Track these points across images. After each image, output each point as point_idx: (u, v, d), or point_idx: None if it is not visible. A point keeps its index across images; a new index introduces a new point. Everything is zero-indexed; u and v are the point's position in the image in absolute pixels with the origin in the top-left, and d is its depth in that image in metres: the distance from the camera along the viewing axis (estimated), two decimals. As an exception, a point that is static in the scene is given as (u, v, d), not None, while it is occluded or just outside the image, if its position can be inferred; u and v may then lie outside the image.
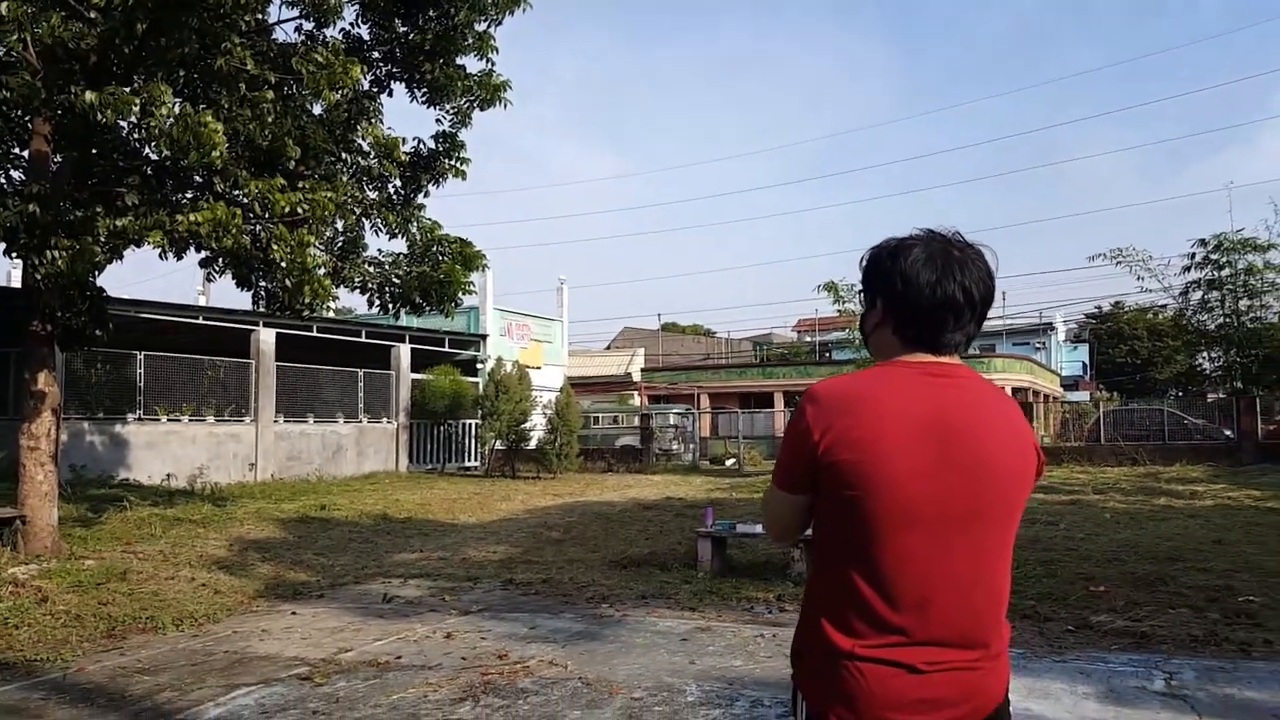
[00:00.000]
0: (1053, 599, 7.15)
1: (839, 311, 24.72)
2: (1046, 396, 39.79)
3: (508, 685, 5.10)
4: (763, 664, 5.41)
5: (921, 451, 1.66)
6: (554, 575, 8.60)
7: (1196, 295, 21.93)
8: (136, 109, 7.07)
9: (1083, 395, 44.70)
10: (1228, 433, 22.18)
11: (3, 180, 8.53)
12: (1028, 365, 35.54)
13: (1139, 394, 48.23)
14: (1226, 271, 21.04)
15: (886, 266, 1.78)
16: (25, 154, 8.74)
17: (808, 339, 55.04)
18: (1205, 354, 23.03)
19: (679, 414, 27.74)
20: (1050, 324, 50.77)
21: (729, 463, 25.45)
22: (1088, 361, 54.27)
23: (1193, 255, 21.68)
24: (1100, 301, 54.80)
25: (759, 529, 8.89)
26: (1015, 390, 34.05)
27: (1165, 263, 22.35)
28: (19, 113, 7.87)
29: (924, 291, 1.73)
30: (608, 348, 48.49)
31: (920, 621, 1.67)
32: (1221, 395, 25.12)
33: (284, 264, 8.14)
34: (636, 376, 37.96)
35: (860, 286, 1.93)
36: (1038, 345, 50.76)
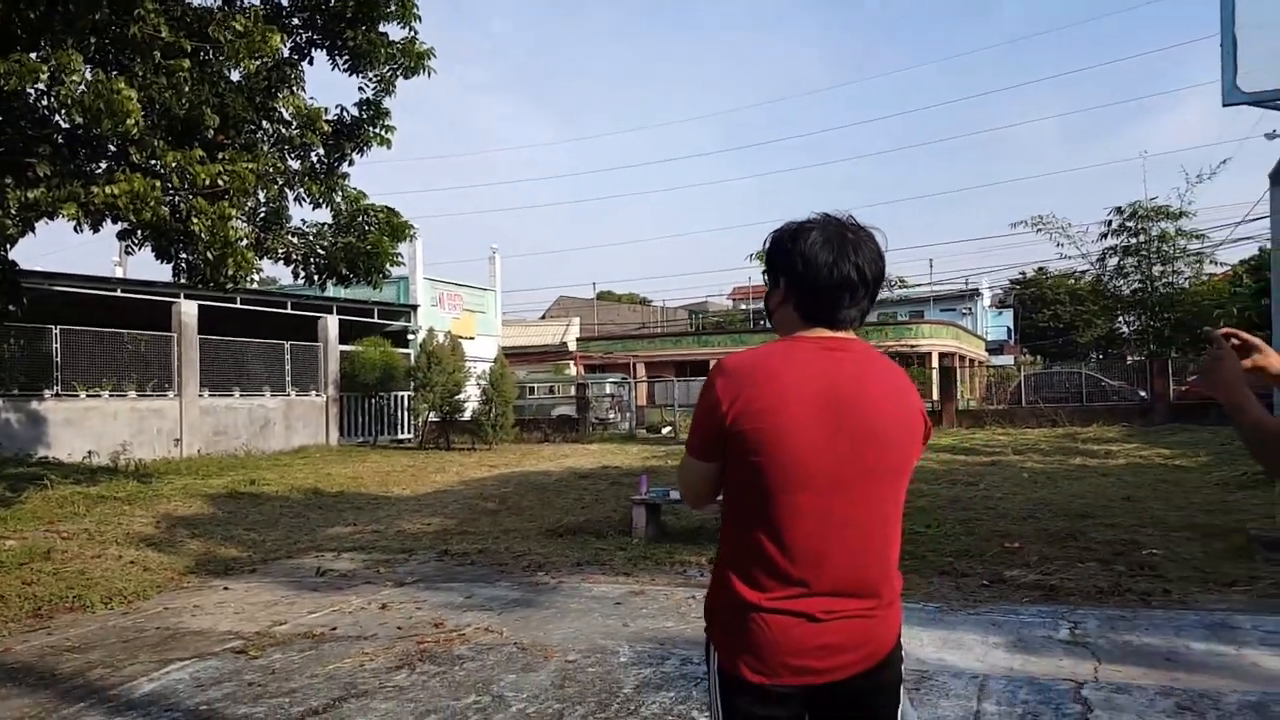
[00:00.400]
0: (970, 555, 7.47)
1: (762, 284, 25.24)
2: (972, 361, 40.92)
3: (444, 653, 5.18)
4: (693, 624, 5.58)
5: (818, 420, 1.79)
6: (490, 545, 8.68)
7: (1113, 261, 22.74)
8: (45, 77, 6.85)
9: (1007, 359, 46.07)
10: (1142, 394, 23.16)
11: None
12: (953, 331, 36.49)
13: (1062, 357, 49.95)
14: (1141, 238, 21.83)
15: (787, 248, 1.91)
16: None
17: (743, 307, 55.62)
18: (1122, 318, 23.91)
19: (615, 383, 27.88)
20: (977, 290, 52.12)
21: (665, 431, 25.71)
22: (1012, 326, 55.91)
23: (1109, 223, 22.45)
24: (1025, 268, 56.40)
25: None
26: (941, 355, 34.92)
27: (1084, 230, 23.19)
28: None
29: (822, 272, 1.86)
30: (543, 317, 48.32)
31: (818, 575, 1.81)
32: (1138, 358, 26.18)
33: (205, 237, 7.99)
34: (572, 346, 37.95)
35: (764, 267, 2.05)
36: (964, 311, 52.13)
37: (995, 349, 49.63)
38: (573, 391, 26.42)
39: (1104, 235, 22.56)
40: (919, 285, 48.45)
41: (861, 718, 1.92)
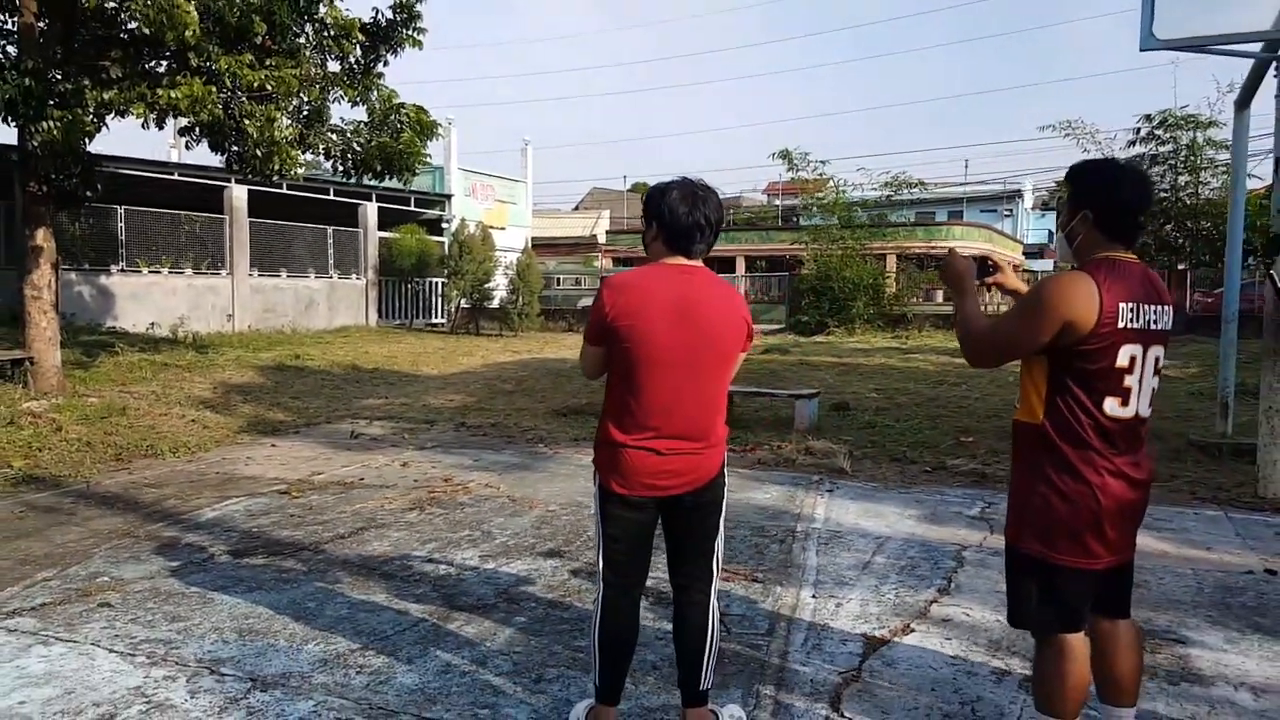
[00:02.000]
0: (924, 446, 8.37)
1: (792, 179, 25.51)
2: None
3: (449, 500, 6.34)
4: (659, 490, 6.67)
5: (667, 319, 2.74)
6: (502, 420, 9.84)
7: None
8: (116, -10, 7.71)
9: (1046, 264, 45.86)
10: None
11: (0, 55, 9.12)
12: (986, 233, 36.51)
13: (1100, 264, 49.34)
14: (1169, 147, 21.76)
15: (658, 201, 2.83)
16: (15, 29, 9.29)
17: (776, 203, 55.49)
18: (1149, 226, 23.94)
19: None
20: (1018, 191, 51.48)
21: (687, 324, 26.63)
22: (1053, 229, 55.17)
23: (1138, 130, 22.33)
24: (1056, 173, 55.34)
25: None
26: (971, 257, 35.09)
27: (1113, 136, 23.10)
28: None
29: (678, 218, 2.78)
30: (576, 209, 48.84)
31: (665, 423, 2.79)
32: (1160, 268, 26.37)
33: (255, 136, 8.93)
34: (602, 239, 38.62)
35: (647, 209, 2.95)
36: (1005, 213, 51.63)
37: (1034, 253, 49.28)
38: (598, 283, 27.35)
39: (1132, 143, 22.48)
40: (954, 185, 47.87)
41: (692, 520, 2.92)
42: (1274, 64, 6.30)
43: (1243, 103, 7.96)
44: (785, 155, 23.70)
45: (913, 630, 3.96)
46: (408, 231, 23.20)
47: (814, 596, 4.39)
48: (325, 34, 10.15)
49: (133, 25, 8.67)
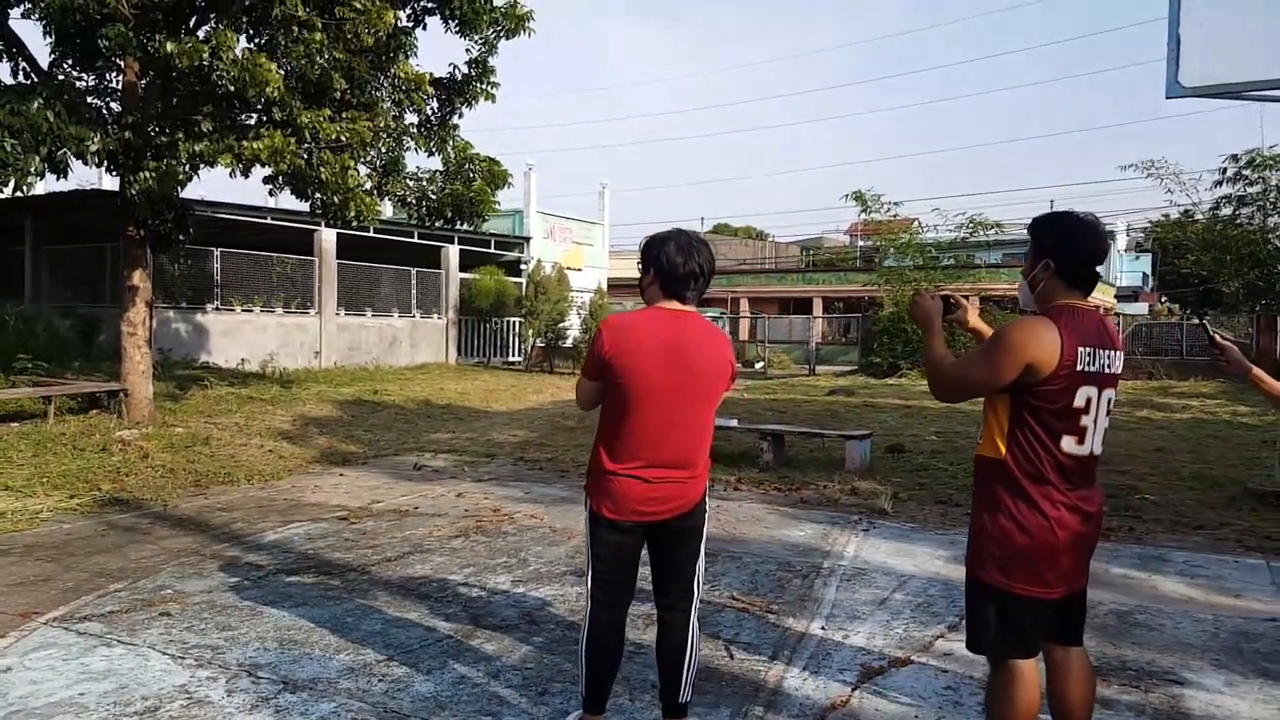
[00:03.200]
0: (969, 489, 8.34)
1: (867, 220, 25.40)
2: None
3: (494, 529, 6.64)
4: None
5: (658, 358, 2.98)
6: (559, 456, 10.15)
7: (1226, 211, 22.02)
8: (206, 55, 8.42)
9: (1141, 307, 44.30)
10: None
11: (104, 109, 9.98)
12: (1071, 277, 35.59)
13: (1204, 306, 47.52)
14: (1258, 188, 21.02)
15: (656, 251, 3.09)
16: (119, 86, 10.16)
17: (860, 244, 55.11)
18: (1234, 269, 23.00)
19: (713, 317, 29.01)
20: (1110, 233, 50.07)
21: (758, 365, 26.74)
22: (1149, 272, 53.32)
23: (1224, 170, 21.66)
24: (1171, 210, 53.33)
25: (734, 422, 10.29)
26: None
27: (1197, 177, 22.40)
28: (115, 55, 9.24)
29: (674, 266, 3.04)
30: (658, 249, 49.29)
31: (653, 453, 3.03)
32: (1249, 313, 25.39)
33: (330, 184, 9.54)
34: (681, 279, 38.87)
35: (643, 258, 3.21)
36: (1094, 256, 50.05)
37: (1128, 295, 47.67)
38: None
39: (1218, 183, 21.80)
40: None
41: (675, 544, 3.14)
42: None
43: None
44: (858, 196, 23.68)
45: (911, 662, 4.06)
46: (487, 273, 23.95)
47: (823, 629, 4.52)
48: (400, 88, 10.77)
49: (222, 89, 9.36)
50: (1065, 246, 2.68)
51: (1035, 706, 2.67)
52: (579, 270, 26.91)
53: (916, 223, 30.64)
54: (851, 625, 4.57)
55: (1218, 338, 3.13)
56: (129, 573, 5.35)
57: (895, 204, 24.07)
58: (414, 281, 22.61)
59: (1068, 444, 2.58)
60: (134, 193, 9.21)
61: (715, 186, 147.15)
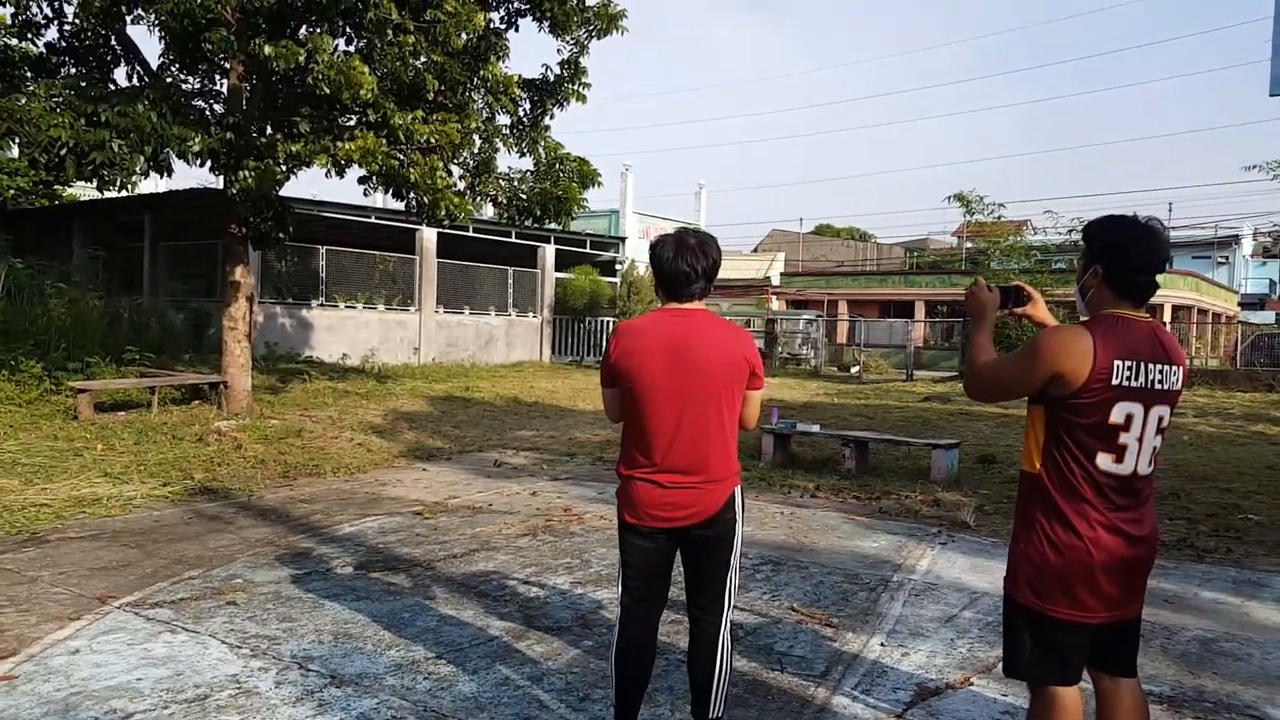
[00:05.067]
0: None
1: (969, 222, 24.58)
2: (1218, 316, 37.64)
3: (562, 528, 6.63)
4: (767, 531, 6.69)
5: (661, 359, 2.91)
6: (639, 456, 10.08)
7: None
8: (302, 57, 8.68)
9: (1267, 316, 41.85)
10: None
11: (207, 111, 10.44)
12: (1192, 281, 33.79)
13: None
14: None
15: (655, 253, 3.02)
16: (224, 89, 10.61)
17: (968, 245, 53.50)
18: None
19: (807, 320, 28.54)
20: (1235, 236, 47.31)
21: (854, 369, 26.18)
22: (1276, 278, 50.25)
23: (1363, 172, 20.17)
24: (1273, 217, 50.27)
25: (816, 428, 10.06)
26: (1176, 308, 32.54)
27: (1329, 178, 20.89)
28: (220, 57, 9.66)
29: (666, 266, 2.96)
30: (755, 251, 49.00)
31: (664, 457, 2.95)
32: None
33: (420, 184, 9.73)
34: (776, 280, 38.54)
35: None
36: (1220, 260, 47.54)
37: (1254, 303, 44.97)
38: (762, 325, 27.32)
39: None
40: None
41: (701, 553, 3.04)
42: None
43: None
44: (960, 198, 22.95)
45: (971, 684, 3.86)
46: (582, 272, 24.17)
47: (883, 644, 4.33)
48: (491, 90, 10.91)
49: (318, 91, 9.65)
50: (1115, 253, 2.51)
51: None
52: (674, 271, 26.80)
53: (1027, 224, 29.49)
54: (913, 643, 4.37)
55: None
56: (205, 561, 5.53)
57: (1000, 205, 23.25)
58: (510, 280, 22.97)
59: (1104, 461, 2.43)
60: (234, 191, 9.58)
61: (817, 186, 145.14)
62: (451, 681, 3.82)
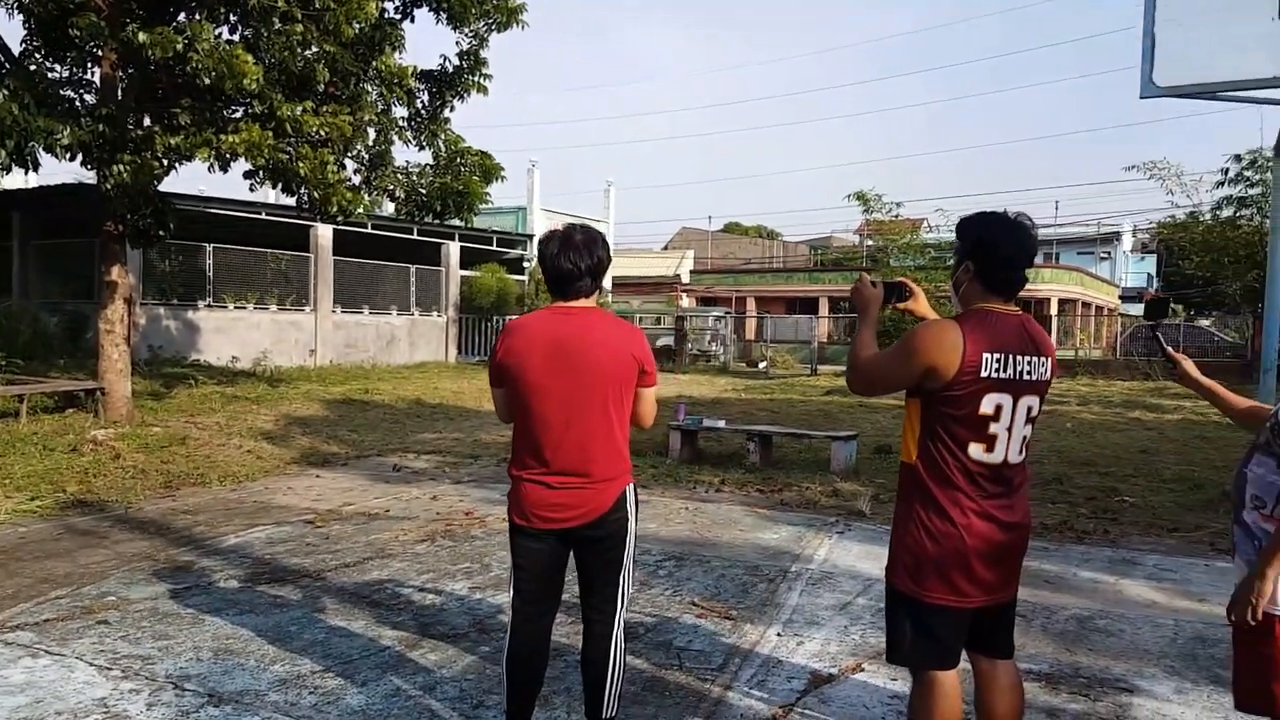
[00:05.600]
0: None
1: (869, 220, 25.22)
2: (1100, 309, 39.48)
3: (462, 533, 6.47)
4: (672, 528, 6.66)
5: (545, 358, 2.83)
6: (542, 455, 9.95)
7: (1226, 212, 21.71)
8: (180, 46, 8.28)
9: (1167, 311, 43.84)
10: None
11: (77, 101, 9.86)
12: (1078, 277, 35.35)
13: (1209, 307, 47.25)
14: (1259, 190, 20.69)
15: (540, 250, 2.94)
16: (96, 78, 10.03)
17: (869, 243, 54.86)
18: (1233, 270, 22.71)
19: (716, 317, 28.81)
20: (1116, 233, 49.70)
21: (761, 365, 26.54)
22: (1154, 273, 53.01)
23: (1225, 171, 21.36)
24: (1162, 214, 53.03)
25: (722, 423, 10.12)
26: (1062, 301, 33.98)
27: (1199, 178, 22.16)
28: (90, 45, 9.11)
29: (549, 263, 2.89)
30: (665, 248, 49.26)
31: (553, 458, 2.86)
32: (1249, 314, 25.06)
33: (309, 179, 9.39)
34: (686, 278, 38.82)
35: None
36: (1102, 255, 49.87)
37: (1133, 296, 47.35)
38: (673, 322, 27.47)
39: (1219, 184, 21.51)
40: (1047, 227, 46.47)
41: (592, 554, 2.97)
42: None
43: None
44: (860, 196, 23.49)
45: (863, 670, 3.90)
46: (489, 271, 23.84)
47: (779, 635, 4.34)
48: (385, 82, 10.62)
49: (199, 75, 9.22)
50: (984, 249, 2.57)
51: (956, 719, 2.54)
52: (580, 268, 26.68)
53: (925, 223, 30.38)
54: (809, 631, 4.39)
55: (1170, 349, 2.97)
56: (75, 578, 5.20)
57: (897, 204, 23.89)
58: (413, 278, 22.49)
59: (975, 451, 2.48)
60: (109, 186, 9.08)
61: (725, 184, 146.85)
62: (339, 695, 3.66)
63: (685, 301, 36.26)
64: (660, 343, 27.55)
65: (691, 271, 40.20)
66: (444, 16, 11.44)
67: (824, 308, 34.40)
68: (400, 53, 10.80)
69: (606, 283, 27.39)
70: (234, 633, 4.34)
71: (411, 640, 4.28)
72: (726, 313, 30.13)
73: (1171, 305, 3.39)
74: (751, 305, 36.28)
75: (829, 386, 19.85)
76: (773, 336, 30.86)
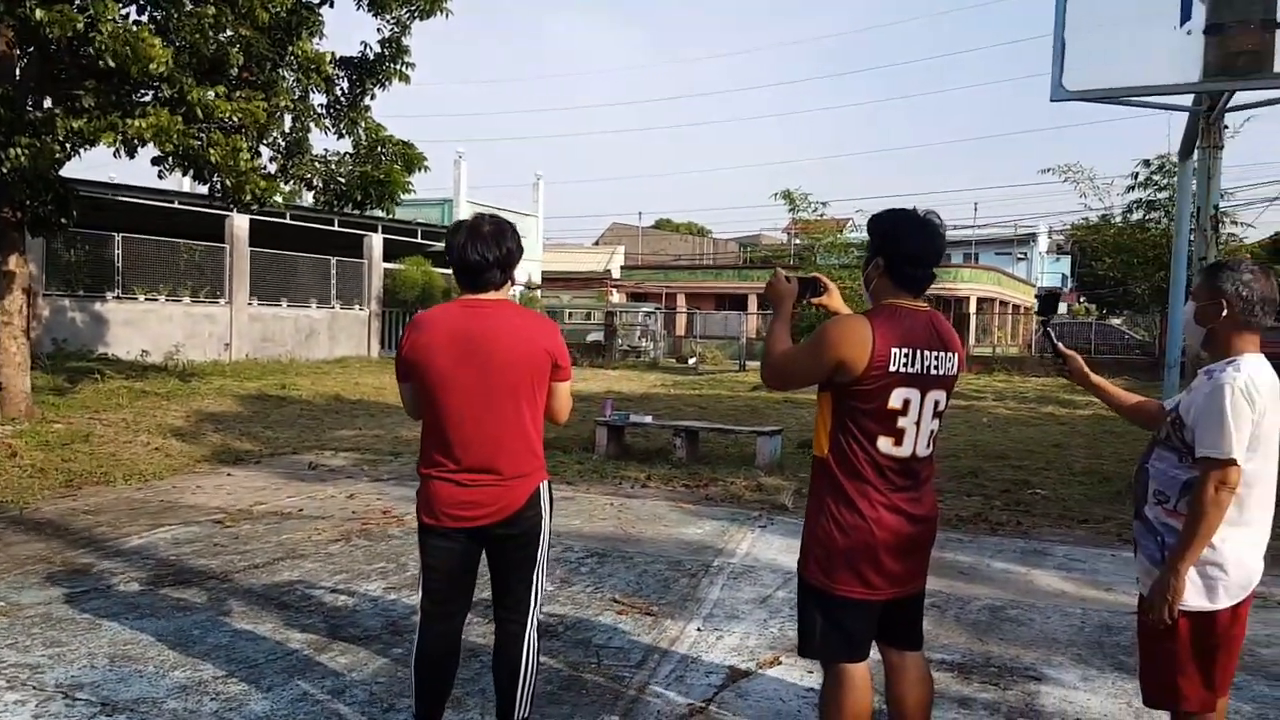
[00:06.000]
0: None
1: (795, 219, 25.52)
2: (1017, 307, 40.69)
3: (379, 532, 6.31)
4: (596, 524, 6.58)
5: (453, 353, 2.74)
6: (465, 451, 9.80)
7: (1136, 215, 22.58)
8: (81, 25, 7.90)
9: (1060, 307, 45.42)
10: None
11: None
12: (995, 276, 36.35)
13: (1120, 307, 49.09)
14: (1167, 194, 21.52)
15: (448, 240, 2.86)
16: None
17: (796, 241, 55.55)
18: (1141, 271, 23.67)
19: (646, 313, 28.83)
20: (1033, 235, 51.27)
21: (691, 361, 26.65)
22: (1068, 273, 54.86)
23: (1135, 175, 22.20)
24: (1076, 216, 55.06)
25: (649, 419, 10.09)
26: (980, 300, 34.92)
27: (1110, 182, 23.07)
28: (-20, 21, 8.64)
29: (456, 254, 2.81)
30: (596, 244, 49.14)
31: (464, 456, 2.78)
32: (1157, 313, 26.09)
33: (222, 165, 9.06)
34: (617, 274, 38.78)
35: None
36: (1019, 256, 51.39)
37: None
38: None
39: (1130, 188, 22.37)
40: (964, 228, 47.73)
41: (504, 552, 2.89)
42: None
43: (1185, 153, 7.94)
44: (787, 195, 23.75)
45: (780, 663, 3.91)
46: (414, 263, 23.42)
47: (699, 629, 4.33)
48: (303, 67, 10.31)
49: (102, 56, 8.82)
50: (893, 245, 2.58)
51: (866, 711, 2.56)
52: (508, 263, 26.43)
53: (850, 222, 30.81)
54: (728, 625, 4.39)
55: (1061, 346, 3.03)
56: (-40, 582, 4.92)
57: (823, 204, 24.20)
58: (334, 270, 21.99)
59: (884, 445, 2.49)
60: (5, 171, 8.62)
61: (656, 181, 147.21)
62: (242, 701, 3.51)
63: (615, 297, 36.22)
64: (590, 338, 27.46)
65: (622, 267, 40.20)
66: (365, 2, 11.17)
67: (753, 304, 34.74)
68: (319, 38, 10.50)
69: (537, 277, 27.23)
70: (133, 638, 4.15)
71: (321, 643, 4.14)
72: (656, 308, 30.18)
73: (1061, 299, 3.54)
74: (681, 301, 36.43)
75: (756, 382, 20.01)
76: (702, 332, 31.00)
